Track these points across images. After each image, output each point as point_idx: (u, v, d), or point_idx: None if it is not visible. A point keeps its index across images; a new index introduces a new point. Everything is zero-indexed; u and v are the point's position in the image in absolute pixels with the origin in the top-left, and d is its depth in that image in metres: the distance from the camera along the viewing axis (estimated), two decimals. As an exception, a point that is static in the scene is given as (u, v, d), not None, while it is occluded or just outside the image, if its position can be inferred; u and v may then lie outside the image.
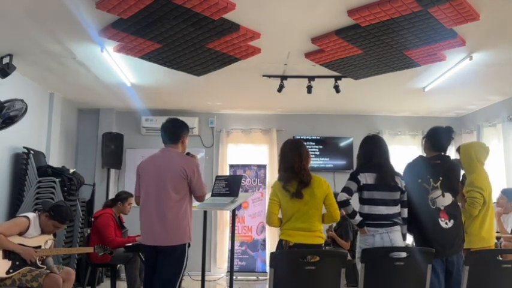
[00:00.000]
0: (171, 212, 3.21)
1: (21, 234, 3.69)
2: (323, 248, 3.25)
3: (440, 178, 3.20)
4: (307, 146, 6.90)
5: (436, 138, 3.35)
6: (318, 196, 3.16)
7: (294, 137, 6.96)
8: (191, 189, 3.30)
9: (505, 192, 4.94)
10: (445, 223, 3.14)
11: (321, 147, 7.15)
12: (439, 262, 3.06)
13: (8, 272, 3.53)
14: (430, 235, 3.12)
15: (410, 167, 3.32)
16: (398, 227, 3.17)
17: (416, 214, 3.20)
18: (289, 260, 2.75)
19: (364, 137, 3.47)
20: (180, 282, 3.30)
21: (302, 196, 3.12)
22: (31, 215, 3.82)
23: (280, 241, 3.19)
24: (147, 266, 3.36)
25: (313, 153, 7.09)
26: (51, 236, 3.95)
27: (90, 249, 4.28)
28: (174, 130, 3.40)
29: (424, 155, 3.46)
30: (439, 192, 3.18)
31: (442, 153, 3.35)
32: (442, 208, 3.16)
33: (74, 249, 4.08)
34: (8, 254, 3.58)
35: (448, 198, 3.19)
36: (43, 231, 3.86)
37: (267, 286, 2.75)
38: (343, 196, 3.15)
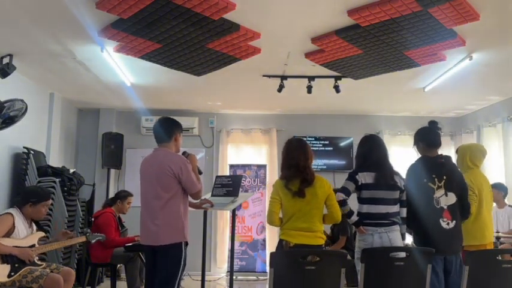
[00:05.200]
0: (163, 211, 3.20)
1: (10, 232, 3.67)
2: (323, 248, 3.25)
3: (444, 177, 3.19)
4: (307, 146, 7.04)
5: (429, 136, 3.33)
6: (320, 196, 3.15)
7: (294, 136, 6.95)
8: (183, 188, 3.27)
9: (496, 187, 4.93)
10: (447, 223, 3.13)
11: (320, 147, 7.15)
12: (438, 261, 3.06)
13: (9, 276, 3.52)
14: (429, 234, 3.11)
15: (415, 167, 3.28)
16: (397, 227, 3.17)
17: (419, 214, 3.18)
18: (289, 260, 2.76)
19: (362, 137, 3.47)
20: (179, 281, 3.29)
21: (304, 195, 3.11)
22: (12, 210, 3.79)
23: (281, 241, 3.17)
24: (147, 265, 3.38)
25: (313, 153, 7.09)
26: (41, 233, 3.95)
27: (82, 239, 4.26)
28: (165, 128, 3.38)
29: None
30: (442, 191, 3.16)
31: (440, 153, 3.35)
32: (445, 207, 3.15)
33: (67, 241, 4.07)
34: (6, 258, 3.56)
35: (451, 198, 3.18)
36: (34, 220, 3.88)
37: (267, 286, 2.75)
38: (340, 196, 3.17)
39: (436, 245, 3.01)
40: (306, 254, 2.88)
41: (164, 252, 3.20)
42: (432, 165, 3.23)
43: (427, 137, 3.34)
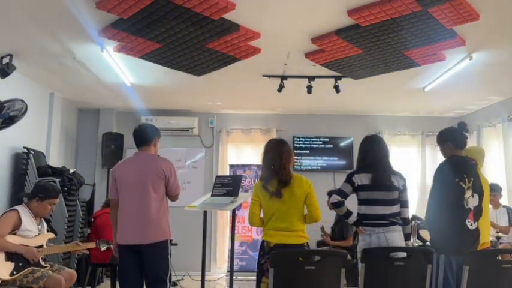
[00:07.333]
0: (153, 211, 3.34)
1: (16, 228, 3.65)
2: (305, 247, 3.22)
3: (472, 179, 3.20)
4: (307, 146, 7.07)
5: (459, 137, 3.36)
6: (298, 195, 3.15)
7: (293, 137, 7.01)
8: (167, 189, 3.44)
9: (493, 189, 4.91)
10: (470, 224, 3.14)
11: (321, 147, 7.15)
12: (454, 260, 3.07)
13: (11, 274, 3.51)
14: (454, 234, 3.11)
15: (445, 166, 3.26)
16: (397, 227, 3.16)
17: (446, 212, 3.15)
18: (290, 260, 2.76)
19: (363, 137, 3.47)
20: (170, 278, 3.41)
21: (281, 195, 3.12)
22: (18, 207, 3.79)
23: (262, 242, 3.20)
24: (126, 265, 3.38)
25: (313, 153, 7.10)
26: (51, 235, 3.95)
27: (92, 245, 4.26)
28: (147, 133, 3.54)
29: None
30: (470, 192, 3.16)
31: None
32: (472, 209, 3.16)
33: (76, 246, 4.06)
34: (11, 256, 3.56)
35: (476, 199, 3.19)
36: (39, 216, 3.87)
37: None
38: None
39: (460, 244, 3.02)
40: (307, 253, 2.88)
41: (154, 249, 3.32)
42: (463, 165, 3.24)
43: (458, 137, 3.36)
